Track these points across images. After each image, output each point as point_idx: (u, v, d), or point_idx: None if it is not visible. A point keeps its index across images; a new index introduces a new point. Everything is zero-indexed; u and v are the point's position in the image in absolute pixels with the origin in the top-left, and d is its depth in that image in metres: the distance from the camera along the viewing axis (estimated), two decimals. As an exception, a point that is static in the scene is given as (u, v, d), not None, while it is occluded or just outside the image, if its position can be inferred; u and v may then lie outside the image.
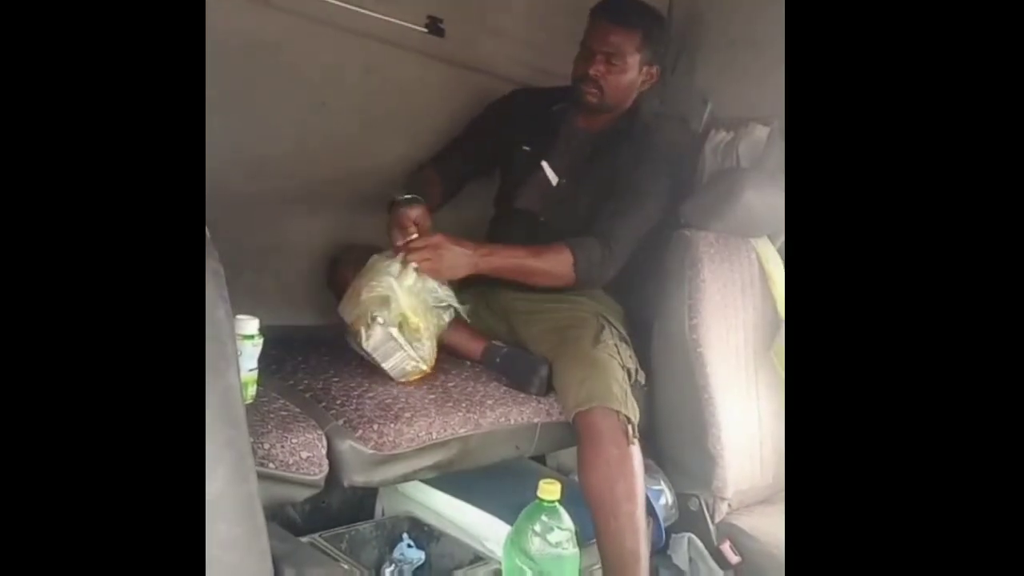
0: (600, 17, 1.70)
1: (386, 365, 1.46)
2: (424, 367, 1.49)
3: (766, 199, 1.74)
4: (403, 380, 1.48)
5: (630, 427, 1.49)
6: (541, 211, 1.79)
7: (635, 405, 1.53)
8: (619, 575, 1.44)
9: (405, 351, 1.45)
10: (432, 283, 1.47)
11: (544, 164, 1.80)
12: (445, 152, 1.81)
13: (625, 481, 1.46)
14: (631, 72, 1.71)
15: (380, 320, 1.41)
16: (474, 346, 1.67)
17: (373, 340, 1.42)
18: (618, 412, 1.48)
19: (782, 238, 1.89)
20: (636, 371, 1.66)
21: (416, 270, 1.45)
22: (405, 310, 1.43)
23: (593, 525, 1.46)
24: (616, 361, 1.60)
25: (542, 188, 1.80)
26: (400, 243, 1.47)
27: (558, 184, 1.79)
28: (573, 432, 1.52)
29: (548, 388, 1.59)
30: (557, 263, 1.62)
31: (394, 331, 1.42)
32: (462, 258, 1.51)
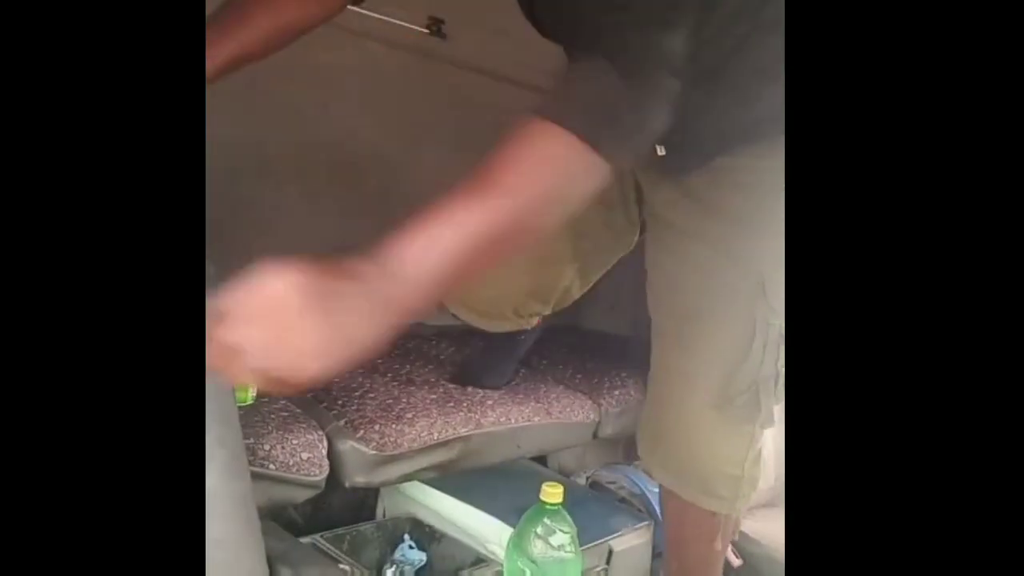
0: None
1: None
2: None
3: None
4: None
5: (729, 525, 1.14)
6: None
7: (752, 481, 1.12)
8: None
9: None
10: None
11: None
12: None
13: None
14: None
15: None
16: None
17: None
18: (715, 514, 1.13)
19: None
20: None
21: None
22: None
23: None
24: (747, 431, 1.06)
25: None
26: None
27: None
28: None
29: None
30: (549, 159, 0.71)
31: None
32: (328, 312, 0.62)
